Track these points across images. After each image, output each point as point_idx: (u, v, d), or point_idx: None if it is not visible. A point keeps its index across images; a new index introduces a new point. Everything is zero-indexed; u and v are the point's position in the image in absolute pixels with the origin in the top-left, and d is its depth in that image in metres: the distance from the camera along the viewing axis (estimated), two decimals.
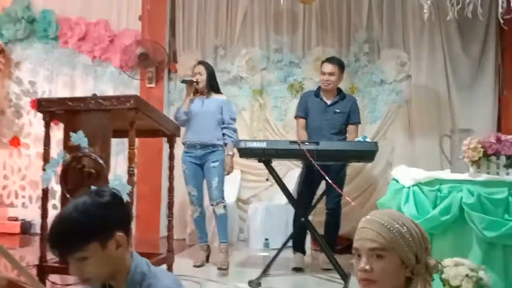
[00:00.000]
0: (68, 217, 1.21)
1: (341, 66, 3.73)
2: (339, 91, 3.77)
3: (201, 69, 3.78)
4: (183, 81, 3.93)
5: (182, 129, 3.88)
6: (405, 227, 1.16)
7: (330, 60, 3.74)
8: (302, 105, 3.80)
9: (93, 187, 1.29)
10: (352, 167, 4.49)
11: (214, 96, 3.78)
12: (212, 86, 3.79)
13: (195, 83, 3.73)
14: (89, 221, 1.20)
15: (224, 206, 3.62)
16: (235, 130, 3.75)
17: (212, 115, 3.70)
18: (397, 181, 2.54)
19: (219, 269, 3.48)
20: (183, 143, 3.80)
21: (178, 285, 1.28)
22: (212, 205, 3.64)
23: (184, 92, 5.06)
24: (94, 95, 2.90)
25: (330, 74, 3.64)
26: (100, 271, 1.24)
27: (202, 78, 3.74)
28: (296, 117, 3.83)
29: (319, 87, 3.79)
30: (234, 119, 3.79)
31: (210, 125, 3.70)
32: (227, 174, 3.69)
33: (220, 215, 3.61)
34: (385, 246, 1.14)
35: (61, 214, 1.24)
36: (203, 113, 3.71)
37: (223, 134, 3.71)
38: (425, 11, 2.51)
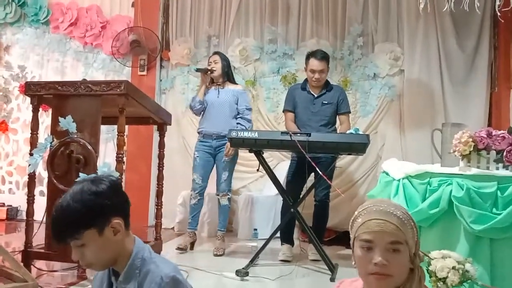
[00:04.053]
0: (64, 205, 1.22)
1: (328, 60, 3.68)
2: (326, 82, 3.74)
3: (216, 58, 3.87)
4: (198, 70, 3.99)
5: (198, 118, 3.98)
6: (412, 220, 1.15)
7: (317, 56, 3.62)
8: (289, 99, 3.77)
9: (92, 175, 1.28)
10: (342, 160, 4.51)
11: (230, 86, 3.86)
12: (228, 76, 3.86)
13: (209, 72, 3.81)
14: (83, 209, 1.20)
15: (228, 199, 3.79)
16: (249, 121, 3.82)
17: (228, 105, 3.78)
18: (387, 173, 2.54)
19: (215, 255, 3.62)
20: (198, 132, 3.89)
21: (177, 273, 1.27)
22: (217, 195, 3.80)
23: (177, 80, 5.11)
24: (84, 79, 2.86)
25: (321, 72, 3.60)
26: (99, 257, 1.25)
27: (217, 66, 3.82)
28: (284, 111, 3.81)
29: (305, 80, 3.76)
30: (250, 109, 3.87)
31: (226, 115, 3.76)
32: (225, 156, 3.73)
33: (223, 206, 3.78)
34: (402, 239, 1.12)
35: (58, 202, 1.24)
36: (219, 103, 3.78)
37: (237, 124, 3.76)
38: (420, 1, 2.48)
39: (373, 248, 1.12)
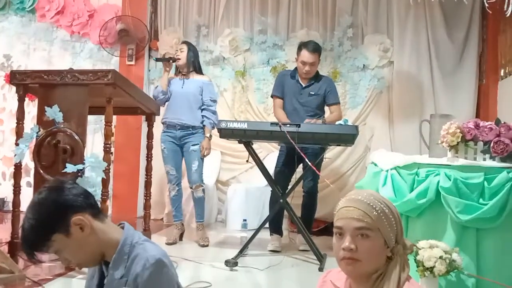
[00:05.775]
0: (24, 225, 1.23)
1: (320, 52, 3.64)
2: (316, 73, 3.70)
3: (183, 47, 3.79)
4: (157, 60, 3.96)
5: (162, 108, 3.84)
6: (387, 208, 1.16)
7: (309, 48, 3.55)
8: (278, 84, 3.73)
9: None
10: (331, 151, 4.52)
11: (196, 76, 3.77)
12: (194, 66, 3.76)
13: (171, 60, 3.73)
14: (37, 222, 1.21)
15: (203, 190, 3.69)
16: (214, 112, 3.73)
17: (193, 96, 3.68)
18: (375, 164, 2.55)
19: (201, 245, 3.61)
20: (162, 123, 3.78)
21: (164, 257, 1.27)
22: (191, 188, 3.70)
23: None
24: (71, 69, 2.82)
25: (311, 64, 3.56)
26: (81, 255, 1.26)
27: (182, 55, 3.73)
28: (273, 96, 3.77)
29: (295, 69, 3.73)
30: (214, 101, 3.77)
31: (190, 106, 3.68)
32: (203, 156, 3.67)
33: (199, 198, 3.70)
34: (371, 225, 1.12)
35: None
36: (183, 93, 3.68)
37: (202, 116, 3.69)
38: None
39: (344, 234, 1.14)
